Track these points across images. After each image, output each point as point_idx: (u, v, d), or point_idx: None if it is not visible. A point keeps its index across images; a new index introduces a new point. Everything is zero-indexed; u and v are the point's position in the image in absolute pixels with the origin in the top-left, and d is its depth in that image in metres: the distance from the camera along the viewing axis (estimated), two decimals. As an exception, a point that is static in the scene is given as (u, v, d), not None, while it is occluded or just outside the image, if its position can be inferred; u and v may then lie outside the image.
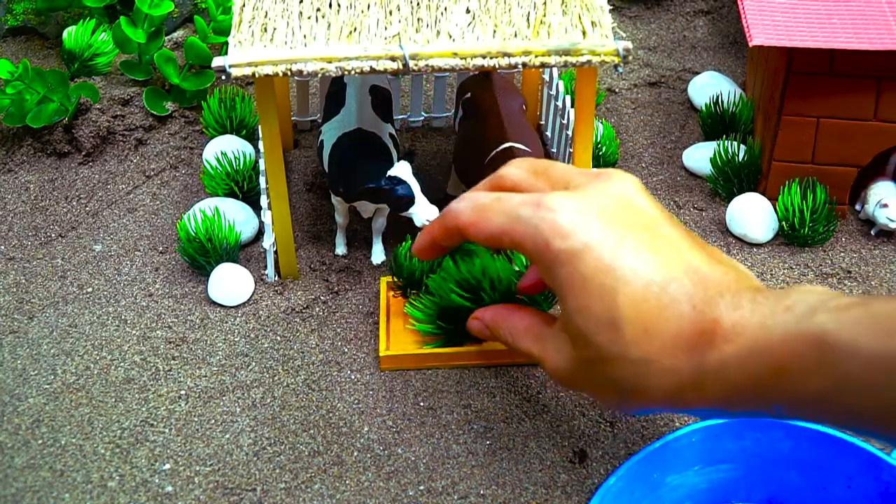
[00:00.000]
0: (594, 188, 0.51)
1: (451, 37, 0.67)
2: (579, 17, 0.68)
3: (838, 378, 0.43)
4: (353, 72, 0.66)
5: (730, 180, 0.88)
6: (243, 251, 0.84)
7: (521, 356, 0.58)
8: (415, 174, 0.75)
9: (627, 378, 0.49)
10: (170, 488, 0.66)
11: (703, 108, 0.94)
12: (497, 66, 0.66)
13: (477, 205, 0.54)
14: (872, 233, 0.86)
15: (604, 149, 0.89)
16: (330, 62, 0.66)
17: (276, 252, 0.80)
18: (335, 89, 0.84)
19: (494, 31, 0.68)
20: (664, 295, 0.47)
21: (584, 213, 0.49)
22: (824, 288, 0.47)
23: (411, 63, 0.66)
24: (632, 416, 0.70)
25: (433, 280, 0.73)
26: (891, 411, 0.42)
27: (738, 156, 0.87)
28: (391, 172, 0.75)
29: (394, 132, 0.82)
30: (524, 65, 0.66)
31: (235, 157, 0.86)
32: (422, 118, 0.97)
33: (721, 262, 0.50)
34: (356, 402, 0.71)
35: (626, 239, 0.49)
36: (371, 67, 0.66)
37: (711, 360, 0.47)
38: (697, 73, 1.02)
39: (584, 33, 0.68)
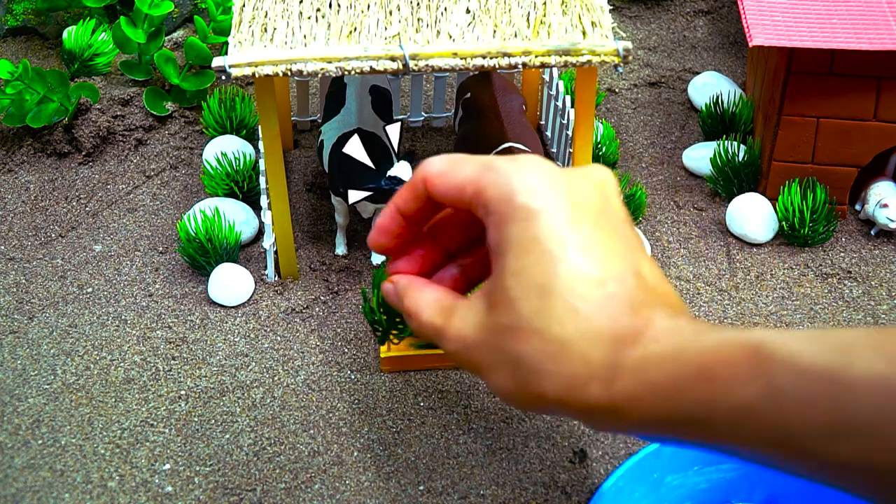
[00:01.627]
0: (574, 170, 0.50)
1: (451, 37, 0.67)
2: (579, 17, 0.68)
3: (772, 389, 0.40)
4: (353, 72, 0.66)
5: (730, 180, 0.88)
6: (243, 251, 0.84)
7: (420, 335, 0.53)
8: (415, 174, 0.75)
9: (533, 356, 0.46)
10: (170, 488, 0.66)
11: (703, 108, 0.94)
12: (497, 66, 0.66)
13: (451, 157, 0.51)
14: (872, 233, 0.86)
15: (604, 149, 0.89)
16: (330, 62, 0.66)
17: (276, 252, 0.80)
18: (335, 89, 0.84)
19: (494, 31, 0.68)
20: (607, 283, 0.46)
21: (556, 183, 0.48)
22: None
23: (411, 63, 0.66)
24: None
25: None
26: (824, 433, 0.38)
27: (738, 156, 0.87)
28: (391, 172, 0.75)
29: (394, 132, 0.82)
30: (524, 65, 0.66)
31: (235, 158, 0.86)
32: (422, 118, 0.97)
33: (669, 283, 0.49)
34: (356, 402, 0.71)
35: (589, 220, 0.47)
36: (371, 67, 0.66)
37: (632, 356, 0.44)
38: (697, 73, 1.02)
39: (584, 33, 0.68)
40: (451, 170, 0.50)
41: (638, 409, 0.44)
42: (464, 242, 0.54)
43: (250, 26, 0.68)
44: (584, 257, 0.46)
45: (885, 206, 0.82)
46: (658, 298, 0.47)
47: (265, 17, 0.69)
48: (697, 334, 0.44)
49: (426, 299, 0.52)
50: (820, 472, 0.40)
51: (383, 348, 0.73)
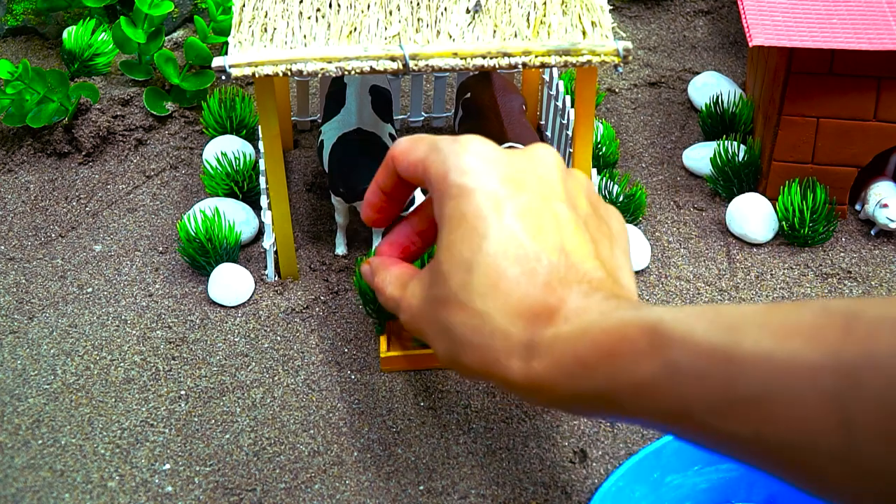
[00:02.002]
0: (517, 150, 0.53)
1: (451, 37, 0.67)
2: (579, 17, 0.68)
3: (668, 365, 0.41)
4: (353, 72, 0.66)
5: (730, 180, 0.88)
6: (243, 251, 0.84)
7: (386, 308, 0.58)
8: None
9: (461, 328, 0.48)
10: (170, 488, 0.66)
11: (703, 108, 0.94)
12: (497, 66, 0.66)
13: (414, 137, 0.55)
14: (872, 233, 0.86)
15: (604, 149, 0.89)
16: (330, 62, 0.66)
17: (276, 252, 0.80)
18: (335, 89, 0.84)
19: (494, 31, 0.68)
20: (525, 261, 0.48)
21: (490, 162, 0.50)
22: None
23: (411, 63, 0.66)
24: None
25: None
26: (716, 408, 0.40)
27: (738, 156, 0.87)
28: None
29: (394, 132, 0.82)
30: (524, 65, 0.66)
31: (235, 158, 0.86)
32: (422, 118, 0.97)
33: (603, 262, 0.50)
34: (356, 402, 0.72)
35: (518, 199, 0.49)
36: (371, 67, 0.66)
37: (546, 335, 0.46)
38: (697, 73, 1.02)
39: (584, 33, 0.68)
40: (410, 149, 0.54)
41: (553, 387, 0.46)
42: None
43: (250, 26, 0.68)
44: (508, 234, 0.48)
45: (885, 206, 0.83)
46: (578, 276, 0.48)
47: (265, 17, 0.69)
48: (604, 314, 0.46)
49: (391, 275, 0.56)
50: (720, 446, 0.41)
51: (383, 349, 0.73)
